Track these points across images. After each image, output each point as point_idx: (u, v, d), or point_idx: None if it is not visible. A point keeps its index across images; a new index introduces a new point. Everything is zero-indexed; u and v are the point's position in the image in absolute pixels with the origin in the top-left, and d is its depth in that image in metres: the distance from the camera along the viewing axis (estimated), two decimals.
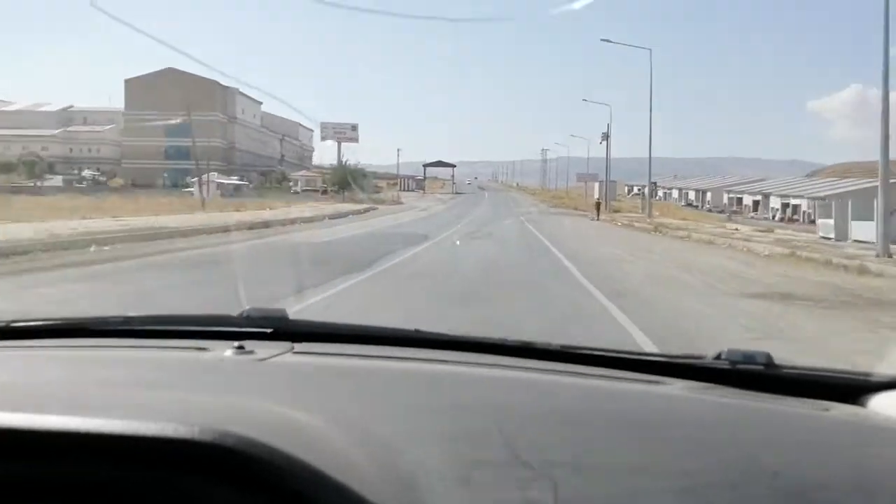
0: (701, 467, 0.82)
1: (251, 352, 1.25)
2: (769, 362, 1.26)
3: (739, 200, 78.90)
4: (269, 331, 1.41)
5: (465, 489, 0.70)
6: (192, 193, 48.82)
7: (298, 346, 1.33)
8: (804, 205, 66.99)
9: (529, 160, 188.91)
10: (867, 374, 1.23)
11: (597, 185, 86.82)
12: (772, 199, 72.29)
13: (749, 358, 1.27)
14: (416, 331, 1.47)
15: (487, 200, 71.16)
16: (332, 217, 30.26)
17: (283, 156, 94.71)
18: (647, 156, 41.25)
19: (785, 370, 1.26)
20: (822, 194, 66.57)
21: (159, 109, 69.73)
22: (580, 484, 0.75)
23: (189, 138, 65.26)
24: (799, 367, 1.31)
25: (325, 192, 54.26)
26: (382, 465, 0.71)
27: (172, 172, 70.24)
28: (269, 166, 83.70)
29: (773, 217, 66.31)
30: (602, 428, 0.95)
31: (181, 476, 0.66)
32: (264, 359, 1.22)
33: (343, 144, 70.34)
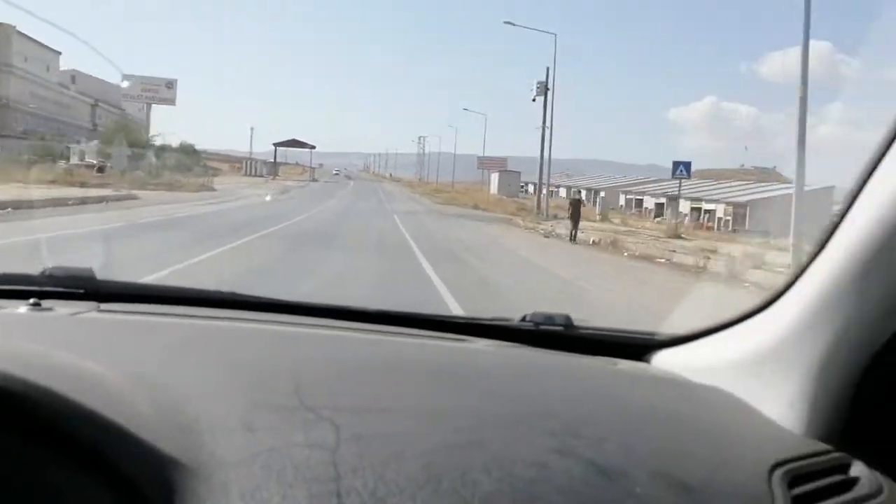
0: (483, 410, 0.86)
1: (49, 309, 1.19)
2: (568, 323, 1.35)
3: (640, 202, 69.55)
4: (80, 291, 1.33)
5: (248, 433, 0.71)
6: None
7: (105, 306, 1.28)
8: (720, 210, 58.57)
9: (404, 153, 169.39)
10: (652, 334, 1.33)
11: (497, 175, 66.92)
12: (681, 202, 63.00)
13: (550, 319, 1.35)
14: (232, 293, 1.43)
15: (350, 191, 55.71)
16: None
17: (95, 125, 75.38)
18: (536, 155, 28.30)
19: (582, 330, 1.36)
20: (742, 199, 57.86)
21: None
22: (365, 426, 0.76)
23: None
24: (594, 328, 1.39)
25: (101, 168, 37.95)
26: (165, 410, 0.71)
27: None
28: (71, 136, 64.55)
29: (681, 223, 57.41)
30: (397, 378, 0.98)
31: None
32: (63, 316, 1.18)
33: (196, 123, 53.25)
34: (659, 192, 68.92)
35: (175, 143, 56.95)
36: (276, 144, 79.63)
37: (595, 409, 0.94)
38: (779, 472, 0.80)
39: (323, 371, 0.96)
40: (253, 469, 0.65)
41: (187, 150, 59.40)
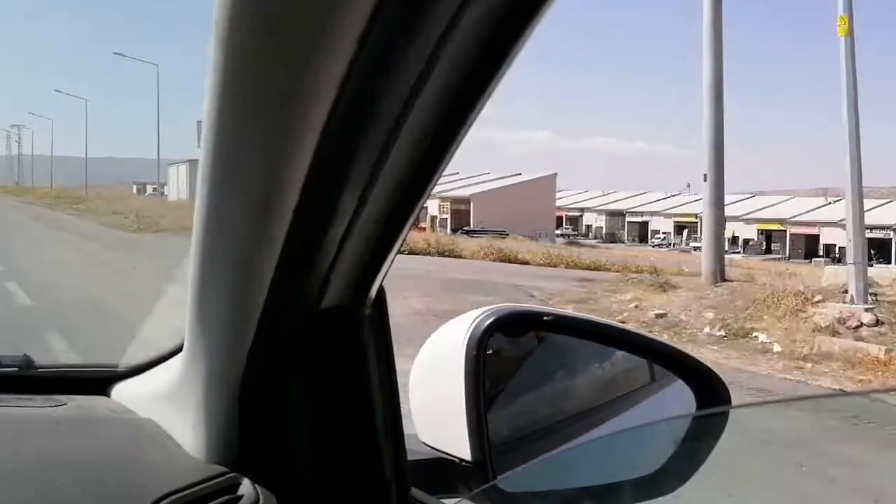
0: None
1: None
2: (26, 364, 1.30)
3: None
4: None
5: None
6: None
7: None
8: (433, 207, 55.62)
9: None
10: (114, 367, 1.29)
11: (184, 168, 42.08)
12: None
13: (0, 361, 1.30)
14: None
15: None
16: None
17: None
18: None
19: (39, 370, 1.32)
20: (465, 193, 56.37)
21: None
22: None
23: None
24: (54, 366, 1.38)
25: None
26: None
27: None
28: None
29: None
30: None
31: None
32: None
33: None
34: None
35: None
36: None
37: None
38: (166, 502, 0.85)
39: None
40: None
41: None
